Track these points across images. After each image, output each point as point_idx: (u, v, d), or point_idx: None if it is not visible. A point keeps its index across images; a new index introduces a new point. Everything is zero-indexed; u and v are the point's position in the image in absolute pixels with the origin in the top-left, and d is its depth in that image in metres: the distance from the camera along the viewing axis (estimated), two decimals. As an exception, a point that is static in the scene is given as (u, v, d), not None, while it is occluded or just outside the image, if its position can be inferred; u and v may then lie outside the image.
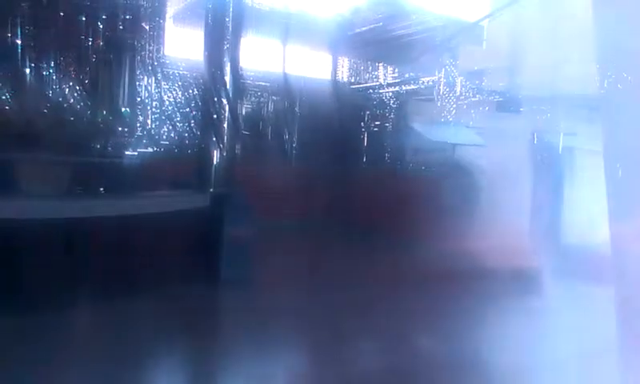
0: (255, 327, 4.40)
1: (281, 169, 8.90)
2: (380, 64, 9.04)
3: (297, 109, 9.20)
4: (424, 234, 7.42)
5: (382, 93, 8.96)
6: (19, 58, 6.07)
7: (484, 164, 6.86)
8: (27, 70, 6.10)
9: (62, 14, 6.03)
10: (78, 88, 6.54)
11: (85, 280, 4.52)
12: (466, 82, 7.57)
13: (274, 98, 9.00)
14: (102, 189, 5.62)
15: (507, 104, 7.32)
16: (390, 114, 8.85)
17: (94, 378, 3.21)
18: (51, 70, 6.35)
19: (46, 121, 6.10)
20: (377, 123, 9.03)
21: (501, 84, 7.04)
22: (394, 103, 8.81)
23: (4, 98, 6.08)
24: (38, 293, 4.35)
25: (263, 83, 8.82)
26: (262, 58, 8.59)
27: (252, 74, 8.35)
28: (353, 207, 8.80)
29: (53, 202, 4.84)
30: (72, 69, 6.47)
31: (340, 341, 4.17)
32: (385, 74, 8.99)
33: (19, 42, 6.07)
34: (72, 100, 6.50)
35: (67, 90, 6.47)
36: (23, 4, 5.61)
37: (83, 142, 6.27)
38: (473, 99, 7.46)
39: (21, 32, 6.02)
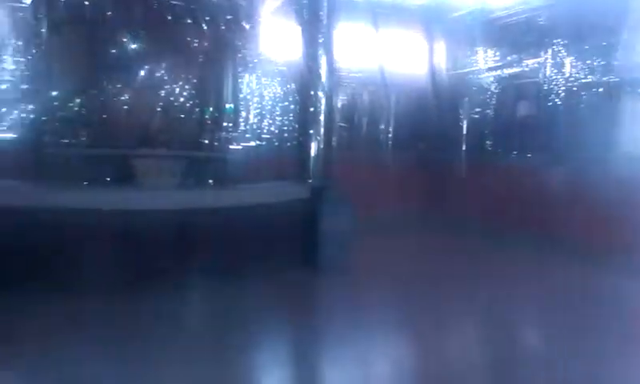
0: (351, 316, 4.47)
1: (377, 160, 8.88)
2: (481, 48, 8.66)
3: (393, 98, 9.10)
4: (530, 226, 7.03)
5: (483, 78, 8.58)
6: (135, 62, 6.62)
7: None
8: (142, 73, 6.63)
9: (170, 18, 6.46)
10: (186, 87, 6.99)
11: (197, 265, 4.86)
12: (576, 62, 7.01)
13: (370, 88, 8.97)
14: (210, 181, 5.98)
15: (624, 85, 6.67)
16: (492, 100, 8.46)
17: (202, 359, 3.43)
18: (163, 72, 6.86)
19: (159, 119, 6.60)
20: (477, 110, 8.67)
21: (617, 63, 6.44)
22: (495, 88, 8.40)
23: (123, 99, 6.67)
24: (153, 275, 4.75)
25: (358, 74, 8.83)
26: (356, 48, 8.61)
27: (347, 65, 8.39)
28: (453, 199, 8.55)
29: (166, 193, 5.24)
30: (181, 70, 6.93)
31: (438, 335, 4.10)
32: (486, 58, 8.59)
33: (134, 47, 6.62)
34: (182, 99, 6.98)
35: (177, 89, 6.94)
36: (136, 12, 6.09)
37: (192, 137, 6.72)
38: (584, 81, 6.89)
39: (135, 38, 6.57)
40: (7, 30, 6.45)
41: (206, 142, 6.58)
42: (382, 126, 9.11)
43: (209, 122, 6.73)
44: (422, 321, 4.37)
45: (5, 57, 6.44)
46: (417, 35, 9.33)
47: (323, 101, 6.30)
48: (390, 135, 9.15)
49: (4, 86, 6.38)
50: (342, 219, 5.61)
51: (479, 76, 8.64)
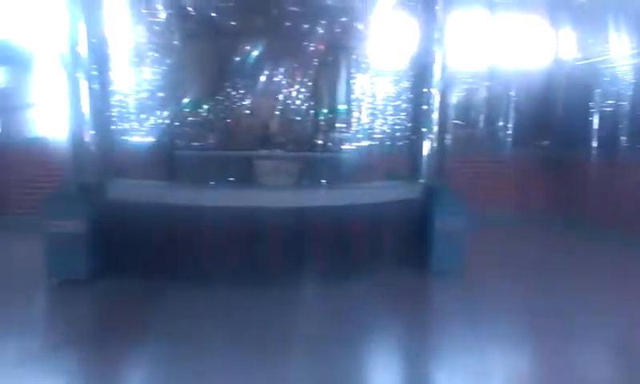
0: (465, 319, 4.33)
1: (495, 158, 8.48)
2: (615, 34, 7.87)
3: (513, 92, 8.63)
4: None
5: (617, 67, 7.80)
6: (256, 68, 7.01)
7: None
8: (262, 79, 7.01)
9: (288, 24, 6.74)
10: (302, 90, 7.26)
11: (310, 262, 5.03)
12: None
13: (488, 82, 8.59)
14: (323, 180, 6.15)
15: None
16: (627, 91, 7.66)
17: (311, 361, 3.52)
18: (281, 77, 7.19)
19: (277, 122, 6.94)
20: (611, 102, 7.90)
21: None
22: (632, 78, 7.59)
23: (245, 104, 7.11)
24: (272, 271, 5.01)
25: (475, 68, 8.50)
26: (473, 40, 8.29)
27: (463, 59, 8.11)
28: (583, 200, 7.91)
29: (284, 192, 5.49)
30: (298, 73, 7.22)
31: (569, 351, 3.82)
32: (620, 46, 7.79)
33: (256, 54, 7.01)
34: (298, 102, 7.26)
35: (294, 92, 7.24)
36: (258, 21, 6.44)
37: (307, 139, 6.97)
38: None
39: (256, 46, 6.95)
40: (145, 43, 7.18)
41: (320, 142, 6.78)
42: (501, 122, 8.68)
43: (323, 123, 6.93)
44: (549, 331, 4.09)
45: (143, 68, 7.18)
46: (540, 22, 8.74)
47: (437, 98, 6.16)
48: (509, 132, 8.70)
49: (144, 95, 7.11)
50: (455, 220, 5.46)
51: (613, 65, 7.86)
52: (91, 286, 4.81)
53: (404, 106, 7.71)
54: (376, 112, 7.67)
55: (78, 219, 4.80)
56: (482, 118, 8.71)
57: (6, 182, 7.24)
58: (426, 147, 6.08)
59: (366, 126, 7.57)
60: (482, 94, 8.66)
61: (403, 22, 7.08)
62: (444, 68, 6.17)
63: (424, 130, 6.09)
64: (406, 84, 7.63)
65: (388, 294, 4.91)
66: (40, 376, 3.20)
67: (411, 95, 6.66)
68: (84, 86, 5.32)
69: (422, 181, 5.95)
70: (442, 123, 6.25)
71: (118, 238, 4.97)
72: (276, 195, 5.30)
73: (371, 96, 7.57)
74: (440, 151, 6.12)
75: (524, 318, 4.35)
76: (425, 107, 6.12)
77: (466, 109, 8.68)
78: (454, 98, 8.47)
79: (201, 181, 5.70)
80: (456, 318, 4.37)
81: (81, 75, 5.30)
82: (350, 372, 3.37)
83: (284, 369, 3.33)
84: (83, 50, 5.30)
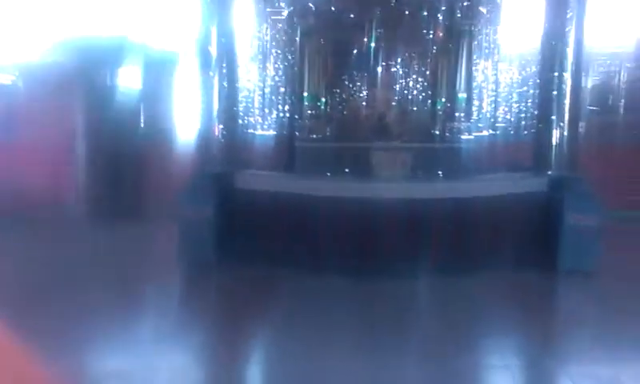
0: (595, 322, 3.98)
1: (635, 147, 7.62)
2: None
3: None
4: None
5: None
6: (374, 60, 7.03)
7: None
8: (380, 70, 7.00)
9: (407, 12, 6.65)
10: (419, 80, 7.13)
11: (426, 256, 4.94)
12: None
13: (628, 64, 7.72)
14: (440, 172, 6.00)
15: None
16: None
17: (427, 357, 3.47)
18: (398, 66, 7.13)
19: (394, 113, 6.90)
20: None
21: None
22: None
23: (362, 96, 7.17)
24: (387, 263, 5.01)
25: (614, 49, 7.68)
26: (611, 19, 7.49)
27: (600, 40, 7.36)
28: None
29: (399, 184, 5.46)
30: (415, 62, 7.10)
31: None
32: None
33: (374, 45, 7.02)
34: (415, 91, 7.15)
35: (411, 82, 7.14)
36: (377, 12, 6.43)
37: (424, 129, 6.84)
38: None
39: (375, 38, 6.96)
40: (269, 40, 7.53)
41: (438, 133, 6.62)
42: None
43: (441, 113, 6.76)
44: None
45: (267, 64, 7.54)
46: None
47: (569, 82, 5.68)
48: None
49: (267, 90, 7.48)
50: (589, 215, 5.01)
51: None
52: (216, 269, 5.19)
53: (531, 92, 7.21)
54: (499, 99, 7.27)
55: (207, 207, 5.21)
56: (622, 103, 7.86)
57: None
58: (555, 136, 5.65)
59: (488, 115, 7.21)
60: (623, 76, 7.80)
61: (532, 3, 6.60)
62: (578, 49, 5.67)
63: (553, 117, 5.66)
64: (533, 68, 7.13)
65: (510, 293, 4.64)
66: (173, 351, 3.53)
67: (539, 80, 6.22)
68: (214, 83, 5.75)
69: (550, 173, 5.54)
70: (575, 110, 5.76)
71: (242, 224, 5.32)
72: (391, 186, 5.30)
73: (494, 82, 7.19)
74: (572, 140, 5.65)
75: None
76: (554, 93, 5.68)
77: (603, 93, 7.89)
78: (590, 81, 7.73)
79: (319, 172, 5.88)
80: (586, 323, 4.03)
81: (212, 73, 5.73)
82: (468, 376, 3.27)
83: (401, 366, 3.33)
84: (214, 50, 5.72)
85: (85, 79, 7.41)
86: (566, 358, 3.53)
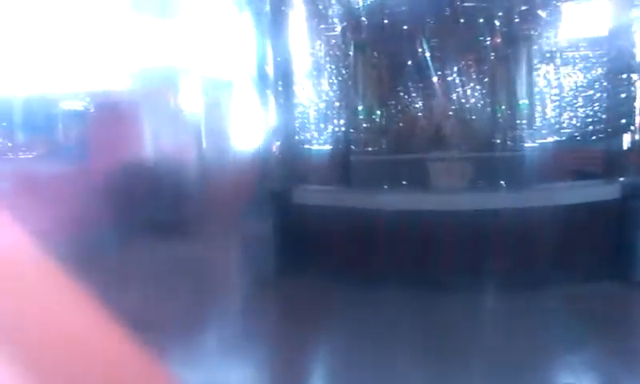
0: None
1: None
2: None
3: None
4: None
5: None
6: (429, 70, 6.95)
7: None
8: (435, 79, 6.91)
9: (462, 20, 6.54)
10: (477, 88, 6.97)
11: (490, 270, 4.78)
12: None
13: None
14: (502, 181, 5.82)
15: None
16: None
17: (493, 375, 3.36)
18: (454, 75, 7.01)
19: (452, 123, 6.77)
20: None
21: None
22: None
23: (417, 106, 7.10)
24: (448, 277, 4.89)
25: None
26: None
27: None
28: None
29: (459, 195, 5.34)
30: (472, 70, 6.95)
31: None
32: None
33: (428, 55, 6.95)
34: (473, 100, 6.99)
35: (468, 91, 6.99)
36: (430, 22, 6.36)
37: (484, 138, 6.66)
38: None
39: (429, 47, 6.88)
40: (323, 56, 7.62)
41: (499, 141, 6.43)
42: None
43: (501, 120, 6.56)
44: None
45: (322, 80, 7.62)
46: None
47: (638, 83, 5.38)
48: None
49: (322, 105, 7.55)
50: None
51: None
52: (280, 283, 5.26)
53: (598, 95, 6.87)
54: (564, 104, 6.96)
55: (268, 223, 5.31)
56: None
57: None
58: (627, 141, 5.35)
59: (552, 121, 6.92)
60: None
61: (592, 2, 6.32)
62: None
63: (623, 121, 5.36)
64: (599, 71, 6.80)
65: (583, 307, 4.40)
66: (240, 364, 3.61)
67: (606, 83, 5.93)
68: (271, 101, 5.88)
69: (622, 179, 5.24)
70: (647, 112, 5.44)
71: (302, 239, 5.37)
72: (450, 198, 5.19)
73: (558, 87, 6.90)
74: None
75: None
76: (624, 95, 5.39)
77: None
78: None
79: (376, 185, 5.85)
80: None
81: (268, 92, 5.88)
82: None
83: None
84: (270, 69, 5.87)
85: (151, 105, 7.78)
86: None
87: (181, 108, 7.82)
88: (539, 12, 6.28)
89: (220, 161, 8.26)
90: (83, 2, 6.85)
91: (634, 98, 5.37)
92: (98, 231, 6.62)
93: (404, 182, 6.03)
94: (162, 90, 7.68)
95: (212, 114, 8.18)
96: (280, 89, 5.86)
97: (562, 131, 6.87)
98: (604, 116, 5.94)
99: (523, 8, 6.08)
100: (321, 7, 7.24)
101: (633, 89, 5.33)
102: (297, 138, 6.75)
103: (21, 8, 5.95)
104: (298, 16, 7.23)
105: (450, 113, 6.86)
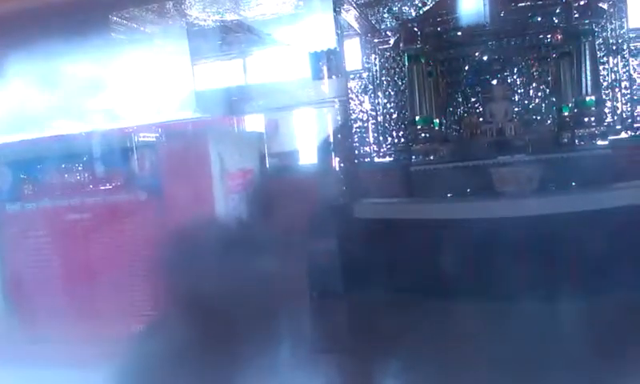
0: None
1: None
2: None
3: None
4: None
5: None
6: (485, 74, 6.83)
7: None
8: (494, 82, 6.78)
9: (517, 20, 6.38)
10: (540, 87, 6.76)
11: (561, 277, 4.59)
12: None
13: None
14: (573, 183, 5.58)
15: None
16: None
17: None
18: (515, 76, 6.83)
19: (514, 126, 6.59)
20: None
21: None
22: None
23: (477, 112, 6.97)
24: (517, 286, 4.71)
25: None
26: None
27: None
28: None
29: (524, 200, 5.17)
30: (533, 70, 6.75)
31: None
32: None
33: (485, 59, 6.83)
34: (536, 100, 6.78)
35: (531, 91, 6.79)
36: (485, 24, 6.25)
37: (550, 139, 6.42)
38: None
39: (484, 51, 6.77)
40: (378, 69, 7.68)
41: (566, 141, 6.17)
42: None
43: (568, 119, 6.30)
44: None
45: (378, 93, 7.68)
46: None
47: None
48: None
49: (380, 118, 7.58)
50: None
51: None
52: (346, 298, 5.30)
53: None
54: (636, 97, 6.59)
55: (332, 238, 5.39)
56: None
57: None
58: None
59: (624, 116, 6.57)
60: None
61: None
62: None
63: None
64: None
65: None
66: (305, 379, 3.69)
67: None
68: (329, 118, 6.00)
69: None
70: None
71: (365, 253, 5.40)
72: (516, 203, 5.04)
73: (627, 80, 6.55)
74: None
75: None
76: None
77: None
78: None
79: (438, 194, 5.79)
80: None
81: (325, 109, 6.00)
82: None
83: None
84: (326, 86, 5.99)
85: (217, 130, 8.13)
86: None
87: (245, 131, 8.11)
88: (599, 5, 6.02)
89: (283, 179, 8.44)
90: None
91: None
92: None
93: (468, 190, 5.94)
94: (226, 114, 8.01)
95: (273, 135, 8.41)
96: (336, 106, 5.97)
97: (636, 126, 6.50)
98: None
99: (582, 2, 5.84)
100: (374, 21, 7.32)
101: None
102: (356, 151, 6.82)
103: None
104: (352, 33, 7.34)
105: (513, 115, 6.68)
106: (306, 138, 7.67)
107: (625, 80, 6.50)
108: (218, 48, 7.80)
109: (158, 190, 5.36)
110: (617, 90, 6.52)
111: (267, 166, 8.45)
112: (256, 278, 6.19)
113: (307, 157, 7.75)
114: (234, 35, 7.52)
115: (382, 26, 7.38)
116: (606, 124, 6.30)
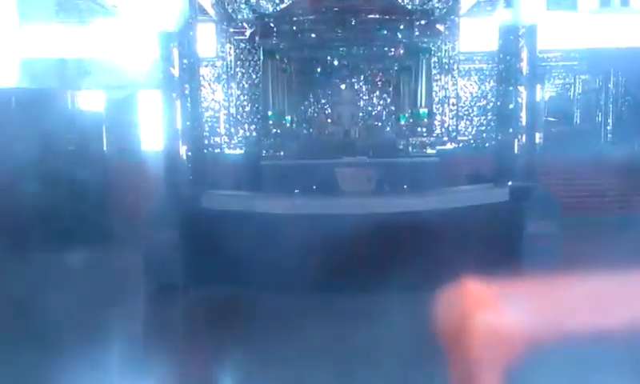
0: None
1: (592, 157, 7.88)
2: None
3: (611, 85, 7.98)
4: None
5: None
6: (335, 78, 7.14)
7: None
8: (343, 87, 7.12)
9: (366, 31, 6.78)
10: (383, 96, 7.28)
11: (393, 271, 4.95)
12: None
13: (582, 77, 8.02)
14: (405, 186, 6.10)
15: None
16: None
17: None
18: (362, 83, 7.26)
19: (359, 129, 7.00)
20: None
21: None
22: None
23: (326, 112, 7.26)
24: (353, 279, 5.00)
25: (569, 63, 7.97)
26: (565, 34, 7.78)
27: (554, 54, 7.65)
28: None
29: (364, 199, 5.51)
30: (377, 79, 7.24)
31: None
32: None
33: (335, 63, 7.14)
34: (379, 107, 7.28)
35: (374, 98, 7.28)
36: (336, 32, 6.53)
37: (389, 144, 6.96)
38: None
39: (335, 56, 7.07)
40: (232, 60, 7.57)
41: (402, 147, 6.75)
42: (599, 118, 8.05)
43: (404, 128, 6.89)
44: None
45: (232, 84, 7.57)
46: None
47: (524, 95, 5.86)
48: (609, 127, 8.04)
49: (232, 110, 7.48)
50: (548, 225, 5.15)
51: None
52: (184, 292, 5.11)
53: (490, 105, 7.43)
54: (460, 113, 7.46)
55: (173, 229, 5.15)
56: (578, 114, 8.15)
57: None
58: (514, 148, 5.80)
59: (450, 129, 7.39)
60: (579, 86, 8.10)
61: (486, 22, 6.82)
62: (532, 64, 5.86)
63: (511, 130, 5.82)
64: (491, 82, 7.36)
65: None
66: (139, 375, 3.47)
67: (497, 93, 6.41)
68: (178, 104, 5.71)
69: (510, 183, 5.68)
70: (531, 121, 5.94)
71: (209, 246, 5.26)
72: (357, 202, 5.34)
73: (455, 97, 7.38)
74: (529, 151, 5.81)
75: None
76: (511, 106, 5.85)
77: (560, 105, 8.16)
78: (548, 93, 8.00)
79: (285, 190, 5.89)
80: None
81: (174, 94, 5.70)
82: None
83: None
84: (176, 71, 5.70)
85: (42, 103, 7.28)
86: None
87: (80, 108, 7.38)
88: (438, 26, 6.67)
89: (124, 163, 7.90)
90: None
91: (520, 108, 5.83)
92: None
93: (313, 187, 6.13)
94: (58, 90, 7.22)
95: (117, 117, 7.82)
96: (186, 92, 5.72)
97: (460, 138, 7.36)
98: (496, 124, 6.41)
99: (422, 22, 6.42)
100: (230, 10, 7.18)
101: (519, 100, 5.79)
102: (205, 141, 6.63)
103: None
104: (206, 19, 7.12)
105: (358, 120, 7.10)
106: (151, 123, 7.26)
107: (453, 97, 7.31)
108: (53, 12, 6.98)
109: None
110: (446, 105, 7.31)
111: (105, 148, 7.83)
112: (80, 272, 5.67)
113: (152, 142, 7.33)
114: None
115: (239, 17, 7.28)
116: (435, 135, 7.02)
